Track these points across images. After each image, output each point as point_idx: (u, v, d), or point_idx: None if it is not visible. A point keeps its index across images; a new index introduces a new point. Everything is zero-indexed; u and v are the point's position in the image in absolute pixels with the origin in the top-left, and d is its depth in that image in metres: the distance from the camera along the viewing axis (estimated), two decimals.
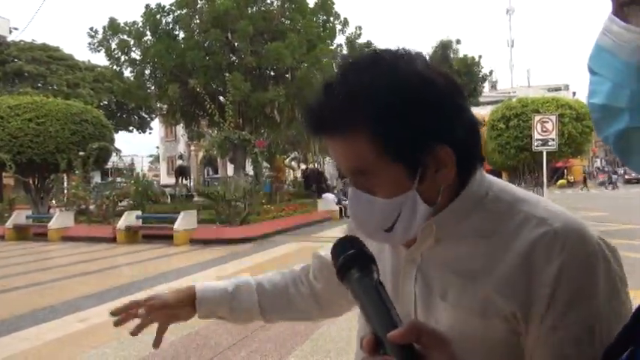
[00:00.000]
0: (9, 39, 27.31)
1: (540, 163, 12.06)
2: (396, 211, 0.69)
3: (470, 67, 32.53)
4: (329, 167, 34.84)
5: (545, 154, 11.63)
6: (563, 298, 0.63)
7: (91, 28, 17.90)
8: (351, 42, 23.69)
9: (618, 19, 0.44)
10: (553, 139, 11.42)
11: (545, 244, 0.65)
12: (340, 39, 37.98)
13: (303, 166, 33.91)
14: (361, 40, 25.59)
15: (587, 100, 0.49)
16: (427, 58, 0.71)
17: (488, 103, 37.68)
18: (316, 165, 30.82)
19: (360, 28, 22.80)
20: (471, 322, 0.69)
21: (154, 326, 1.04)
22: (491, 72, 40.02)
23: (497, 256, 0.68)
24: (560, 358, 0.64)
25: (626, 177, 46.66)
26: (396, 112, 0.64)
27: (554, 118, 11.49)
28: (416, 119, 0.65)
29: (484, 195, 0.73)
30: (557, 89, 53.97)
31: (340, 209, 19.35)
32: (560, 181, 43.86)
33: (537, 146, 11.52)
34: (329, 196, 20.38)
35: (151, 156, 69.44)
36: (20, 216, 15.54)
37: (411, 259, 0.77)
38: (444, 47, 32.51)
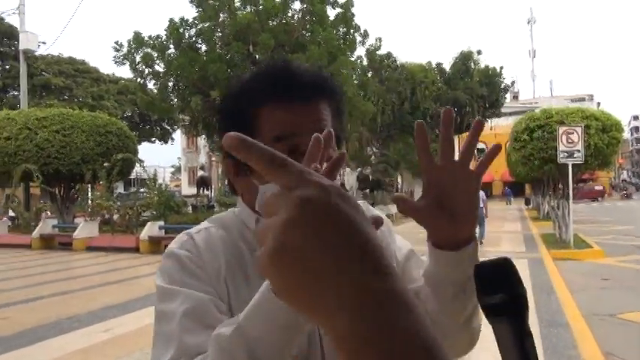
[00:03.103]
0: (37, 53, 28.06)
1: (565, 175, 11.83)
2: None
3: (491, 77, 32.20)
4: (349, 178, 34.79)
5: (570, 166, 11.41)
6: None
7: (117, 42, 18.26)
8: (371, 53, 23.73)
9: None
10: (579, 151, 11.19)
11: (388, 228, 0.92)
12: (360, 50, 38.13)
13: None
14: (381, 52, 25.67)
15: None
16: None
17: (510, 114, 37.28)
18: None
19: (380, 39, 22.86)
20: None
21: None
22: (512, 83, 39.63)
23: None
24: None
25: None
26: (340, 98, 0.87)
27: (579, 129, 11.26)
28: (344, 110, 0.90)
29: None
30: (581, 100, 53.12)
31: None
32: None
33: (562, 158, 11.30)
34: None
35: (172, 167, 70.41)
36: (46, 225, 15.85)
37: None
38: (465, 58, 32.26)
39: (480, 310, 0.75)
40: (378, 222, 0.48)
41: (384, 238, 0.91)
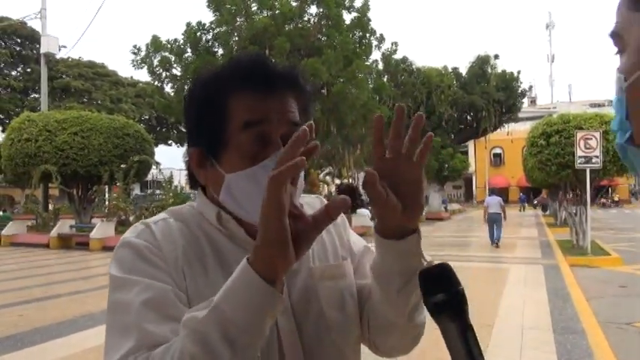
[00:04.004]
0: (58, 56, 28.60)
1: (583, 181, 11.66)
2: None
3: (508, 82, 31.90)
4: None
5: (588, 171, 11.24)
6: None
7: (135, 46, 18.54)
8: (386, 57, 23.71)
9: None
10: (597, 157, 11.02)
11: (343, 220, 0.96)
12: (376, 55, 38.16)
13: (337, 181, 33.89)
14: (397, 56, 25.64)
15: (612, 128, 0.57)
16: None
17: (527, 119, 36.88)
18: (351, 180, 30.76)
19: (395, 44, 22.85)
20: (331, 269, 0.87)
21: None
22: (530, 87, 39.16)
23: None
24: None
25: None
26: (309, 97, 0.85)
27: (598, 134, 11.10)
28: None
29: None
30: (600, 105, 52.31)
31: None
32: (603, 200, 42.36)
33: (580, 163, 11.14)
34: (363, 212, 20.23)
35: None
36: (64, 225, 16.10)
37: None
38: (482, 62, 32.04)
39: (424, 306, 0.80)
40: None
41: (338, 229, 0.95)
